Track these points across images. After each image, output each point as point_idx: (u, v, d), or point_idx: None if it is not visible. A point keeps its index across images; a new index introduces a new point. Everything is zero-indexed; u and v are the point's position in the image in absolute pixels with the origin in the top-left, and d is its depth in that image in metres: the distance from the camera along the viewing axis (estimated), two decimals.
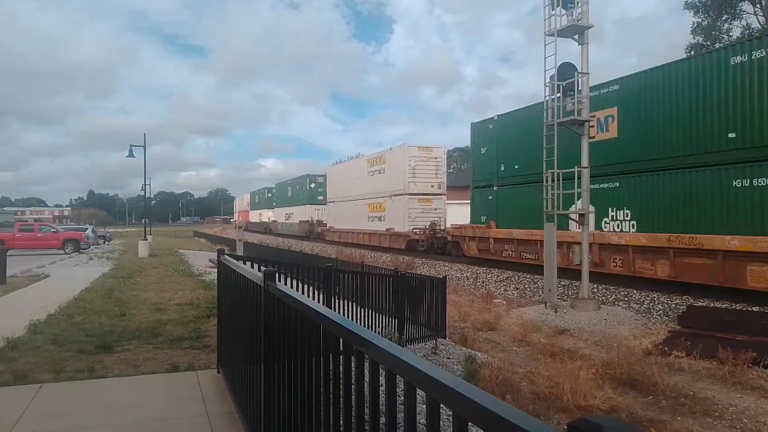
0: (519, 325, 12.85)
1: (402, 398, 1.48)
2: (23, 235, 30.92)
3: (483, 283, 19.35)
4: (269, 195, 63.63)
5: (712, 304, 12.66)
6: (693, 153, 13.66)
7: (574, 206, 14.93)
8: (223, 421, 4.37)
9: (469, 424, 1.17)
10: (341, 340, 1.94)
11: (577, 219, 14.66)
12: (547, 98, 14.74)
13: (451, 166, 61.80)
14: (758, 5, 30.71)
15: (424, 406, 1.34)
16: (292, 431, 2.66)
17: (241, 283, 4.03)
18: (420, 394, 1.38)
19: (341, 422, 1.98)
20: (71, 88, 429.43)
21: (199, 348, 7.02)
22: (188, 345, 7.20)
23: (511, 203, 20.09)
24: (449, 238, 24.56)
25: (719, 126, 13.05)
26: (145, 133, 29.41)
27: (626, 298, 14.62)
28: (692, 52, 29.98)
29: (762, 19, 30.72)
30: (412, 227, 27.72)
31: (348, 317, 6.87)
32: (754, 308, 11.85)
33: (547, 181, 14.61)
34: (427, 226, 27.09)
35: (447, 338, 10.61)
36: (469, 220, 24.54)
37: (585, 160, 14.19)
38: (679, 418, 7.22)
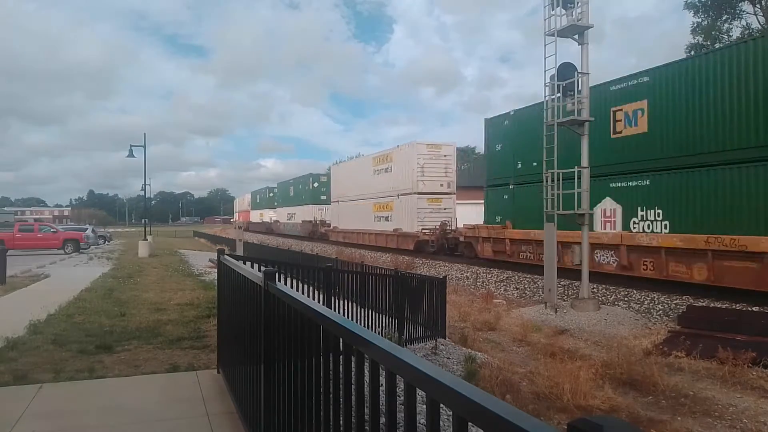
0: (519, 325, 12.86)
1: (402, 398, 1.48)
2: (23, 235, 30.92)
3: (483, 283, 19.35)
4: (271, 195, 62.77)
5: (712, 304, 12.66)
6: (738, 148, 12.64)
7: (601, 204, 14.55)
8: (223, 421, 4.37)
9: (469, 424, 1.17)
10: (341, 340, 1.94)
11: (579, 219, 14.65)
12: (547, 98, 14.74)
13: None
14: (758, 5, 30.72)
15: (424, 406, 1.34)
16: (292, 431, 2.66)
17: (241, 283, 4.03)
18: (420, 394, 1.38)
19: (341, 422, 1.98)
20: (71, 88, 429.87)
21: (199, 348, 7.02)
22: (188, 345, 7.20)
23: (529, 202, 18.77)
24: (461, 239, 23.63)
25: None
26: (145, 133, 29.44)
27: (626, 298, 14.62)
28: (692, 52, 29.98)
29: (762, 19, 30.73)
30: (421, 227, 26.77)
31: (348, 317, 6.87)
32: (754, 308, 11.85)
33: (547, 181, 14.61)
34: (437, 227, 26.17)
35: (447, 338, 10.61)
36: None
37: (585, 160, 14.18)
38: (679, 418, 7.23)
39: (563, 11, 14.19)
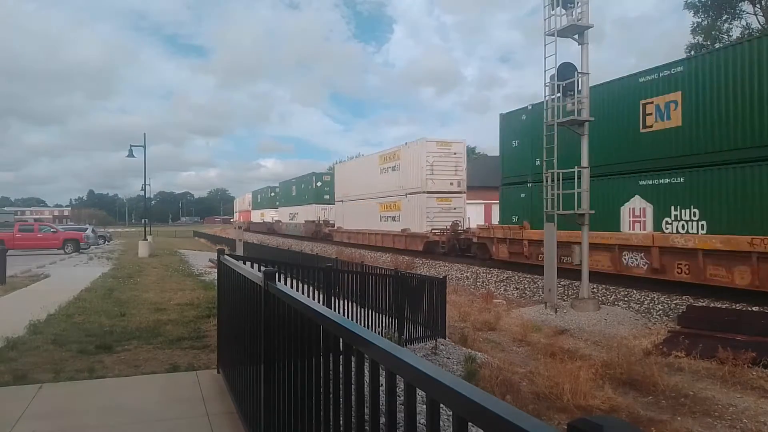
0: (519, 325, 12.86)
1: (402, 398, 1.48)
2: (23, 235, 30.93)
3: (483, 283, 19.35)
4: (272, 194, 62.03)
5: (712, 304, 12.66)
6: None
7: (629, 203, 14.08)
8: (223, 421, 4.37)
9: (469, 424, 1.17)
10: (341, 340, 1.94)
11: (579, 219, 14.64)
12: (547, 98, 14.75)
13: None
14: (758, 5, 30.72)
15: (424, 406, 1.34)
16: (292, 431, 2.66)
17: (241, 283, 4.03)
18: (420, 394, 1.38)
19: (341, 422, 1.98)
20: (71, 88, 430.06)
21: (199, 348, 7.02)
22: (188, 345, 7.20)
23: None
24: (474, 240, 22.72)
25: None
26: (145, 133, 29.43)
27: (626, 298, 14.62)
28: (692, 52, 29.98)
29: (762, 19, 30.74)
30: (431, 227, 25.81)
31: (348, 317, 6.87)
32: (754, 308, 11.85)
33: (547, 181, 14.61)
34: (448, 227, 25.14)
35: (447, 338, 10.61)
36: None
37: (585, 160, 14.18)
38: (679, 418, 7.23)
39: (563, 11, 14.19)
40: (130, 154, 28.85)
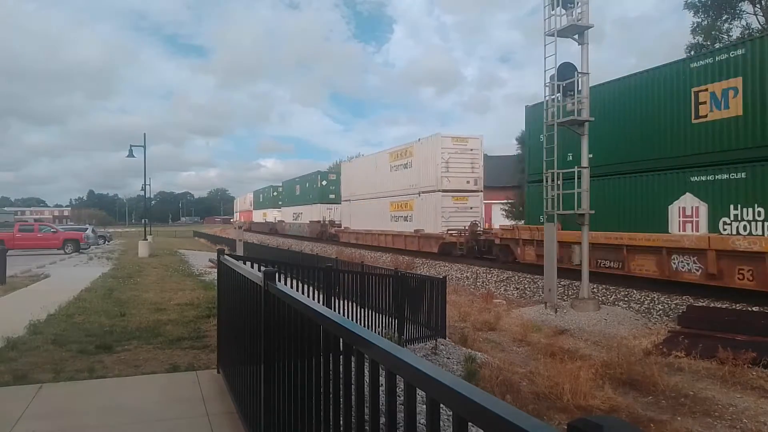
0: (519, 325, 12.86)
1: (402, 398, 1.48)
2: (23, 235, 30.94)
3: (483, 283, 19.35)
4: (275, 193, 61.11)
5: (712, 304, 12.65)
6: None
7: (678, 202, 13.08)
8: (223, 421, 4.37)
9: (469, 424, 1.17)
10: (341, 340, 1.94)
11: (580, 220, 14.64)
12: (547, 98, 14.75)
13: None
14: (758, 5, 30.71)
15: (424, 406, 1.34)
16: (292, 431, 2.66)
17: (241, 283, 4.03)
18: (420, 394, 1.38)
19: (341, 422, 1.98)
20: (71, 88, 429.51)
21: (199, 348, 7.02)
22: (188, 345, 7.20)
23: None
24: (497, 241, 21.17)
25: None
26: (145, 134, 29.46)
27: (626, 298, 14.62)
28: (692, 52, 29.98)
29: (762, 19, 30.73)
30: (447, 228, 24.41)
31: (348, 317, 6.87)
32: (754, 308, 11.85)
33: (547, 181, 14.61)
34: (466, 227, 23.76)
35: (447, 338, 10.62)
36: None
37: (585, 160, 14.19)
38: (679, 418, 7.23)
39: (563, 11, 14.20)
40: (130, 154, 28.86)
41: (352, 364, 1.88)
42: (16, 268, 17.84)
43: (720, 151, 12.85)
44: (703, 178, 13.14)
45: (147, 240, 28.75)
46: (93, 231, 39.48)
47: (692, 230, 13.42)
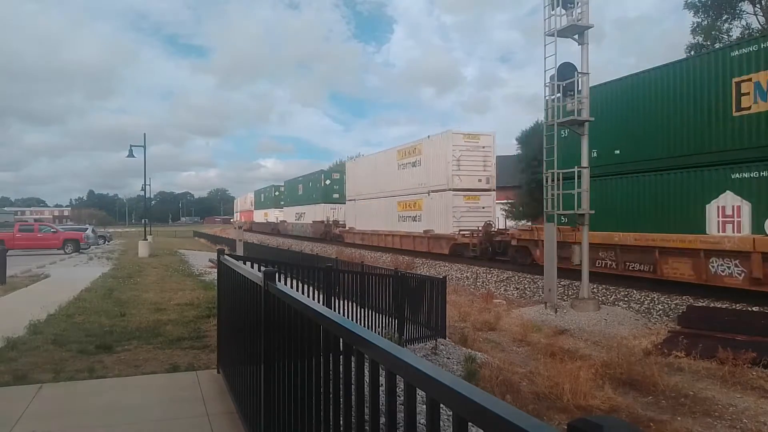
0: (519, 325, 12.86)
1: (402, 398, 1.48)
2: (23, 235, 30.94)
3: (483, 283, 19.36)
4: (277, 193, 60.32)
5: (712, 304, 12.65)
6: None
7: (717, 200, 12.39)
8: (223, 421, 4.37)
9: (469, 424, 1.17)
10: (341, 340, 1.94)
11: (581, 220, 14.63)
12: (547, 98, 14.75)
13: None
14: (758, 5, 30.71)
15: (424, 406, 1.34)
16: (292, 431, 2.66)
17: (241, 283, 4.03)
18: (420, 394, 1.38)
19: (341, 422, 1.98)
20: (71, 88, 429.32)
21: (199, 348, 7.02)
22: (188, 345, 7.20)
23: (608, 199, 15.66)
24: (513, 243, 20.08)
25: None
26: (145, 134, 29.49)
27: (626, 298, 14.62)
28: (692, 52, 29.99)
29: (762, 19, 30.73)
30: (458, 229, 23.58)
31: (348, 317, 6.87)
32: (754, 308, 11.85)
33: (547, 181, 14.61)
34: (479, 228, 22.77)
35: (447, 338, 10.62)
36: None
37: (585, 160, 14.20)
38: (679, 418, 7.23)
39: (563, 11, 14.22)
40: (130, 154, 28.86)
41: (352, 364, 1.88)
42: (16, 268, 17.84)
43: (766, 145, 11.97)
44: (746, 175, 12.23)
45: (147, 240, 28.75)
46: (93, 231, 39.48)
47: (733, 231, 12.57)
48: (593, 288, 15.12)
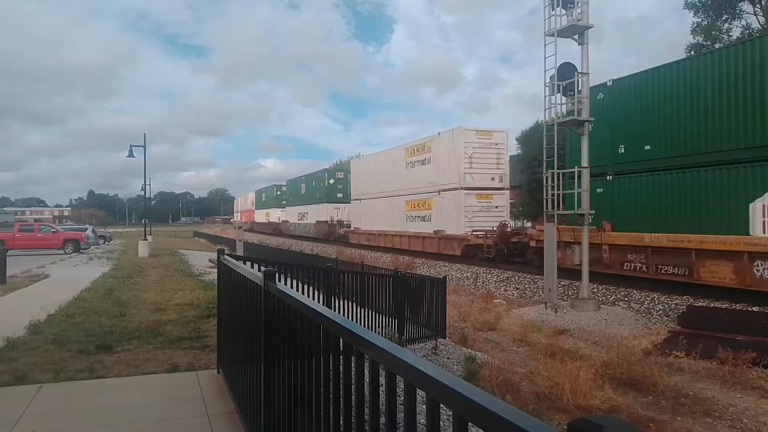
0: (519, 325, 12.86)
1: (402, 398, 1.48)
2: (23, 235, 30.94)
3: (483, 283, 19.36)
4: (278, 193, 59.52)
5: (712, 304, 12.65)
6: None
7: (761, 199, 11.53)
8: (223, 421, 4.37)
9: (469, 424, 1.17)
10: (341, 340, 1.94)
11: (581, 219, 14.62)
12: (547, 98, 14.76)
13: None
14: (758, 5, 30.71)
15: (424, 406, 1.34)
16: (292, 431, 2.66)
17: (241, 283, 4.03)
18: (420, 394, 1.38)
19: (341, 422, 1.98)
20: (71, 88, 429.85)
21: (199, 348, 7.02)
22: (188, 345, 7.20)
23: (637, 197, 14.96)
24: (532, 244, 18.98)
25: None
26: (145, 134, 29.46)
27: (626, 298, 14.62)
28: (692, 52, 29.99)
29: (762, 19, 30.73)
30: (471, 229, 22.62)
31: (348, 317, 6.87)
32: (754, 308, 11.85)
33: (547, 181, 14.60)
34: (494, 228, 21.58)
35: (447, 338, 10.62)
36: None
37: (585, 160, 14.19)
38: (679, 418, 7.23)
39: (563, 11, 14.21)
40: (130, 154, 28.85)
41: (352, 364, 1.88)
42: (16, 268, 17.84)
43: None
44: None
45: (147, 240, 28.75)
46: (93, 231, 39.48)
47: None
48: (593, 288, 15.12)
